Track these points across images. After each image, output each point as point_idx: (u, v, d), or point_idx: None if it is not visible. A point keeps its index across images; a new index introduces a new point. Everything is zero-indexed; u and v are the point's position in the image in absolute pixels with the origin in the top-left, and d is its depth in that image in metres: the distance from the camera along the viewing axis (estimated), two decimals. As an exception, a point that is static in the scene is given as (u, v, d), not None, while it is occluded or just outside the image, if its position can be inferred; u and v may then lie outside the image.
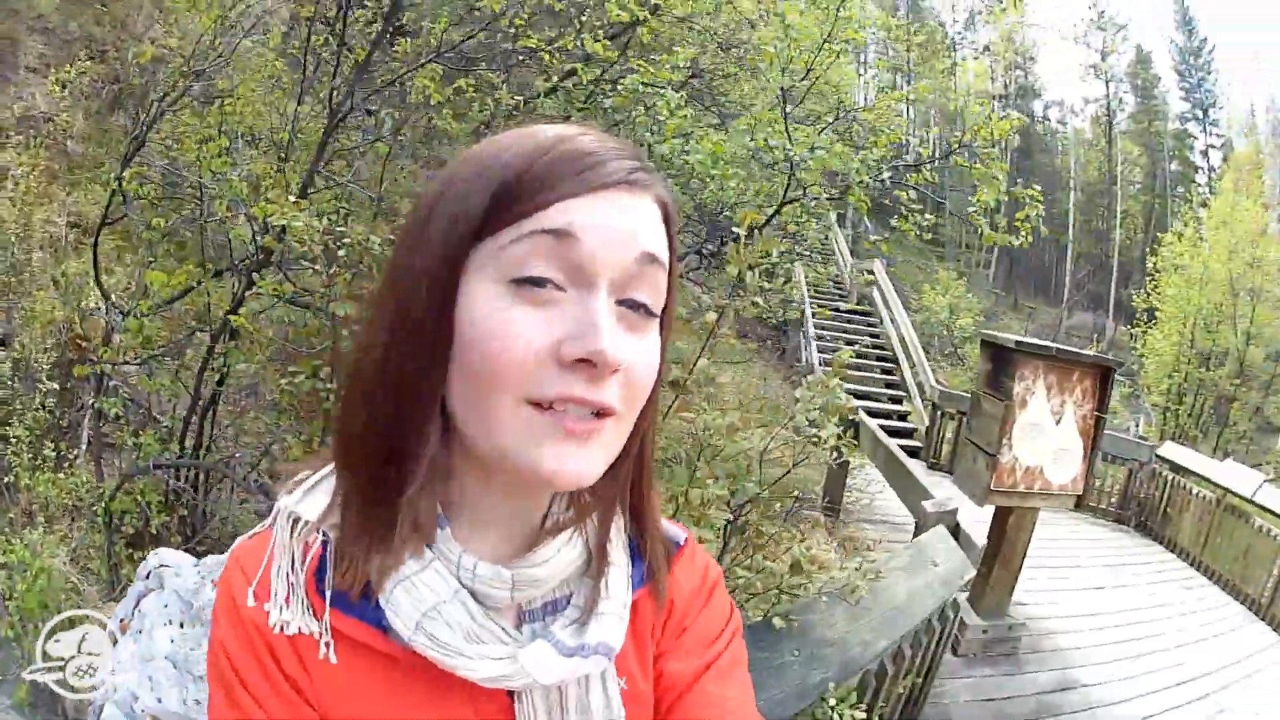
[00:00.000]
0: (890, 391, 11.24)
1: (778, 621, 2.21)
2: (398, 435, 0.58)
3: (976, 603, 4.36)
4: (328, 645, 0.59)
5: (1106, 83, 38.12)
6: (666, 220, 0.60)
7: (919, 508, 3.74)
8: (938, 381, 9.83)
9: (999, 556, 4.23)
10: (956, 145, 4.78)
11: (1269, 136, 36.25)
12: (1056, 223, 37.16)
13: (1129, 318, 14.07)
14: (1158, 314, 13.38)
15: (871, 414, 10.00)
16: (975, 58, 39.29)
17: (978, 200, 4.44)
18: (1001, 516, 4.27)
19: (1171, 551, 7.56)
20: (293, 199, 3.07)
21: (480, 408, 0.55)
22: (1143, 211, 34.69)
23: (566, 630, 0.63)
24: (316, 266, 2.86)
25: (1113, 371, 4.39)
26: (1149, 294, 13.52)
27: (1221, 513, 7.00)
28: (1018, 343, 4.00)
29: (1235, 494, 6.97)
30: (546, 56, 4.75)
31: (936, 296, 18.66)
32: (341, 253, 2.77)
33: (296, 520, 0.62)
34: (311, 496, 0.64)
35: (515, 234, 0.54)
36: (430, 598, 0.58)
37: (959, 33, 40.01)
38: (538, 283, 0.53)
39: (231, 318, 3.48)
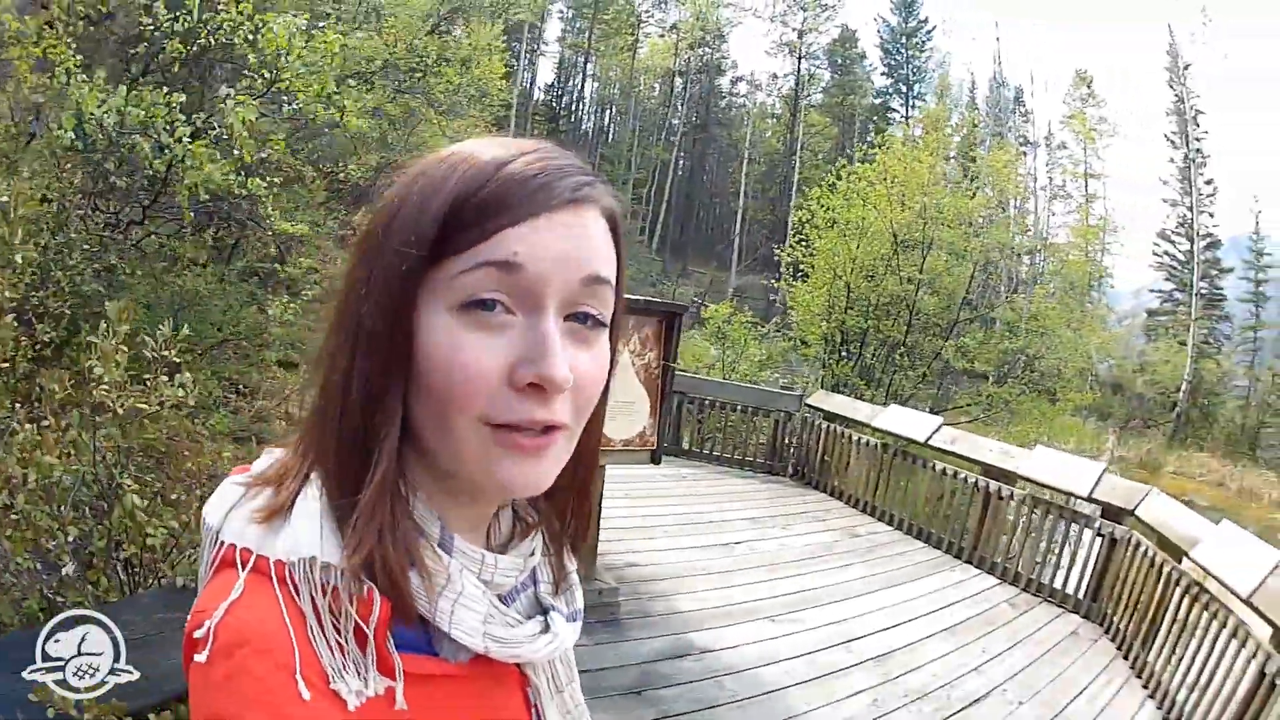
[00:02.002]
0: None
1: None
2: (367, 447, 0.59)
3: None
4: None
5: (798, 59, 43.05)
6: (614, 230, 0.65)
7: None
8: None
9: (562, 522, 4.19)
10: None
11: (987, 109, 43.11)
12: (730, 192, 42.09)
13: (790, 274, 15.44)
14: (803, 267, 14.69)
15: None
16: (661, 35, 42.62)
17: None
18: (557, 479, 4.23)
19: (839, 499, 8.00)
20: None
21: (441, 426, 0.59)
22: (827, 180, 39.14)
23: (559, 599, 0.75)
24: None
25: (678, 317, 4.50)
26: (793, 248, 14.82)
27: (891, 458, 7.58)
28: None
29: (909, 439, 7.49)
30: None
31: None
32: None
33: (317, 566, 0.57)
34: (300, 525, 0.60)
35: (463, 265, 0.57)
36: (483, 607, 0.63)
37: (647, 11, 43.23)
38: (486, 305, 0.57)
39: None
